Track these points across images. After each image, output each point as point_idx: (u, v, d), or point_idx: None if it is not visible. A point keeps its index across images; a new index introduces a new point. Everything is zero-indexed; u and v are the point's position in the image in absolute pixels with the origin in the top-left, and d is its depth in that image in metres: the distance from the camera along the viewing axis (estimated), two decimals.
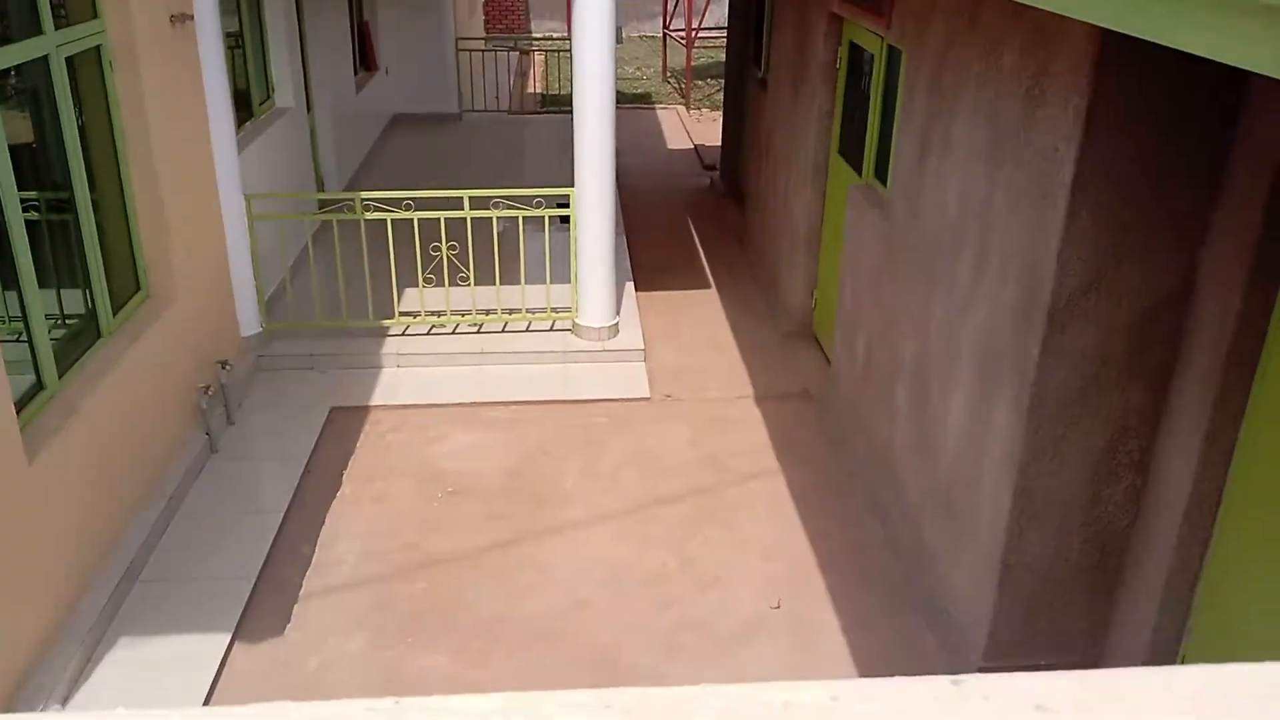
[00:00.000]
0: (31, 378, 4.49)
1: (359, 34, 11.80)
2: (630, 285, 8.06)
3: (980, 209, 4.09)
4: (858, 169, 6.26)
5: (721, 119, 11.69)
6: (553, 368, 7.01)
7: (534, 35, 22.53)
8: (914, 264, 4.91)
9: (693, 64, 16.43)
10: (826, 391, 6.54)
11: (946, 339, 4.48)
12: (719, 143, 11.94)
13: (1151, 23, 1.90)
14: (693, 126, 14.64)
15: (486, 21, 21.30)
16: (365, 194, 6.83)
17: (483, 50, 14.84)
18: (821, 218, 7.14)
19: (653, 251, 9.34)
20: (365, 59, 12.09)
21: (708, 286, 8.69)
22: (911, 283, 4.94)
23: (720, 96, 15.04)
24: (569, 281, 7.18)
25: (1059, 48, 3.40)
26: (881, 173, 5.75)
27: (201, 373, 5.94)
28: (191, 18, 5.98)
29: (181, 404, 5.71)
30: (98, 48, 5.14)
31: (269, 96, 8.35)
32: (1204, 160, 3.30)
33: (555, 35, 22.38)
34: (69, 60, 4.86)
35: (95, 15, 5.13)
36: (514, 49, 16.65)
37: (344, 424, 6.27)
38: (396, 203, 6.81)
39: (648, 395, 6.72)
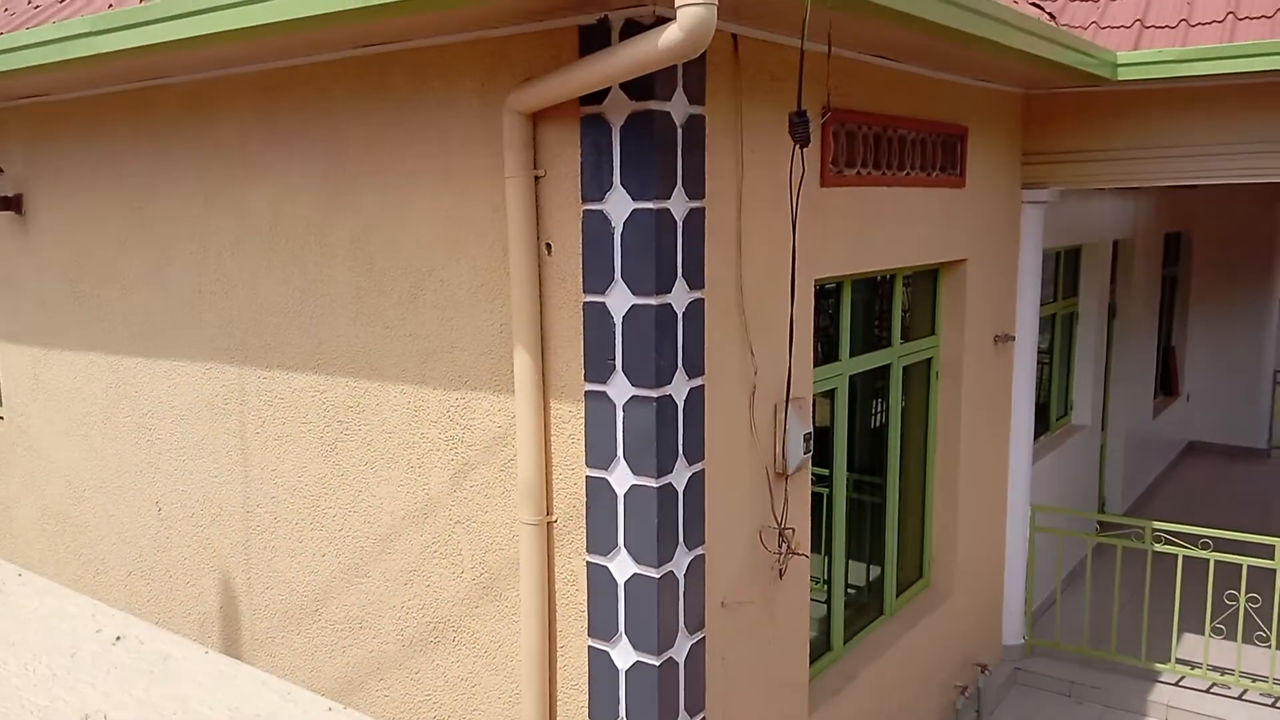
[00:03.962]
0: (821, 637, 5.03)
1: (1164, 358, 11.49)
2: None
3: None
4: None
5: None
6: None
7: None
8: None
9: None
10: None
11: None
12: None
13: None
14: None
15: None
16: (1159, 524, 6.40)
17: None
18: None
19: None
20: (1167, 384, 11.66)
21: None
22: None
23: None
24: None
25: None
26: None
27: (961, 672, 6.00)
28: (1013, 338, 6.48)
29: (939, 697, 5.81)
30: (929, 360, 5.85)
31: (1067, 413, 8.52)
32: None
33: None
34: (904, 368, 5.61)
35: (933, 333, 5.88)
36: None
37: None
38: (1192, 538, 6.24)
39: None
